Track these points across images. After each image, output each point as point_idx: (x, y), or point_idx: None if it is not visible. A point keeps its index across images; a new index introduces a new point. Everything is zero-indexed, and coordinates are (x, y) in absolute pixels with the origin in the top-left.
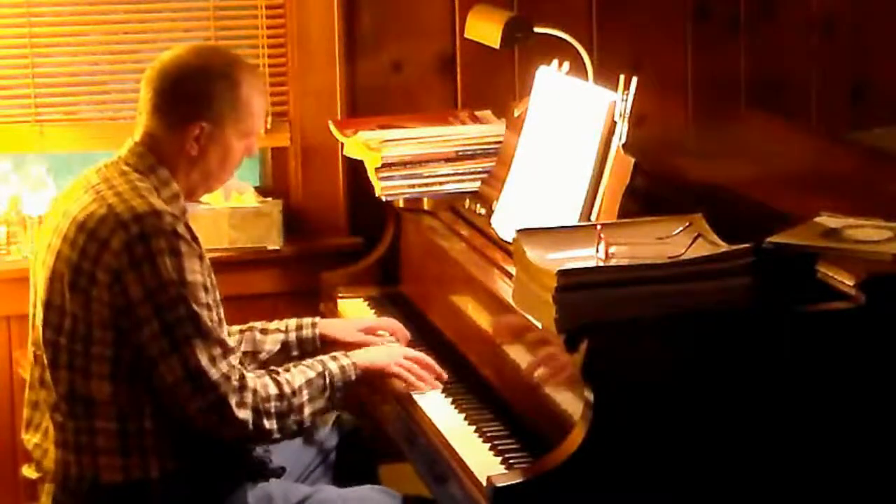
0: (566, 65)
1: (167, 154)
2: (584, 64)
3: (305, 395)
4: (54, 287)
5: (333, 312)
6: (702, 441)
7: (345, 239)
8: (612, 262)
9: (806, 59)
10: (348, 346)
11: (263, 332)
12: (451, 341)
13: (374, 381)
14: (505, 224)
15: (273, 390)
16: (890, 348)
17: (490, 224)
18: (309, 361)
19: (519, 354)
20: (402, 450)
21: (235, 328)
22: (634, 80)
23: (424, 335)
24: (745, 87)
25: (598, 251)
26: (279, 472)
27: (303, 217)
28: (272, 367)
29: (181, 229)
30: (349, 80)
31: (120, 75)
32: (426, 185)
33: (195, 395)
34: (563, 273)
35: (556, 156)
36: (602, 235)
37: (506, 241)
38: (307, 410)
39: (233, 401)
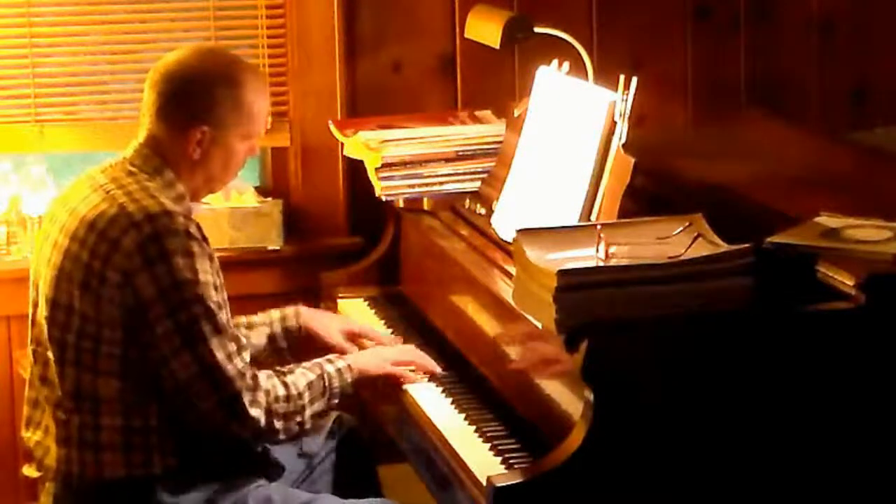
0: (566, 65)
1: (171, 157)
2: (584, 64)
3: (307, 397)
4: (61, 286)
5: (333, 312)
6: (702, 441)
7: (345, 239)
8: (612, 262)
9: (806, 59)
10: (330, 348)
11: (249, 326)
12: (451, 341)
13: (370, 384)
14: (505, 224)
15: (282, 391)
16: (890, 348)
17: (490, 224)
18: (308, 364)
19: (519, 354)
20: (402, 450)
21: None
22: (634, 80)
23: (424, 335)
24: (745, 87)
25: (598, 251)
26: (279, 471)
27: (303, 217)
28: (277, 368)
29: (193, 229)
30: (349, 80)
31: (120, 75)
32: (426, 185)
33: (210, 391)
34: (563, 273)
35: (556, 156)
36: (602, 235)
37: (506, 241)
38: (308, 412)
39: (246, 398)
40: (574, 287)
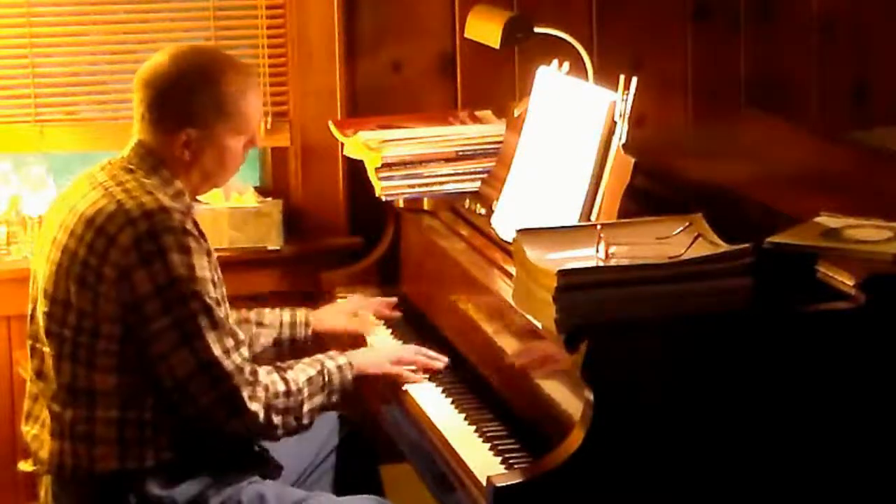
0: (566, 65)
1: (165, 158)
2: (584, 64)
3: (306, 393)
4: (59, 281)
5: None
6: (702, 441)
7: (345, 239)
8: (612, 262)
9: (806, 59)
10: (340, 337)
11: (259, 325)
12: (451, 341)
13: (371, 382)
14: (505, 224)
15: (281, 387)
16: (890, 348)
17: (490, 224)
18: (308, 360)
19: (519, 354)
20: (402, 450)
21: (232, 317)
22: (634, 80)
23: (424, 335)
24: (745, 87)
25: (598, 251)
26: (277, 471)
27: (303, 217)
28: (277, 364)
29: (189, 226)
30: (349, 80)
31: (120, 75)
32: (426, 185)
33: (209, 386)
34: (563, 273)
35: (556, 156)
36: (602, 235)
37: (506, 241)
38: (306, 408)
39: (245, 393)
40: (574, 287)
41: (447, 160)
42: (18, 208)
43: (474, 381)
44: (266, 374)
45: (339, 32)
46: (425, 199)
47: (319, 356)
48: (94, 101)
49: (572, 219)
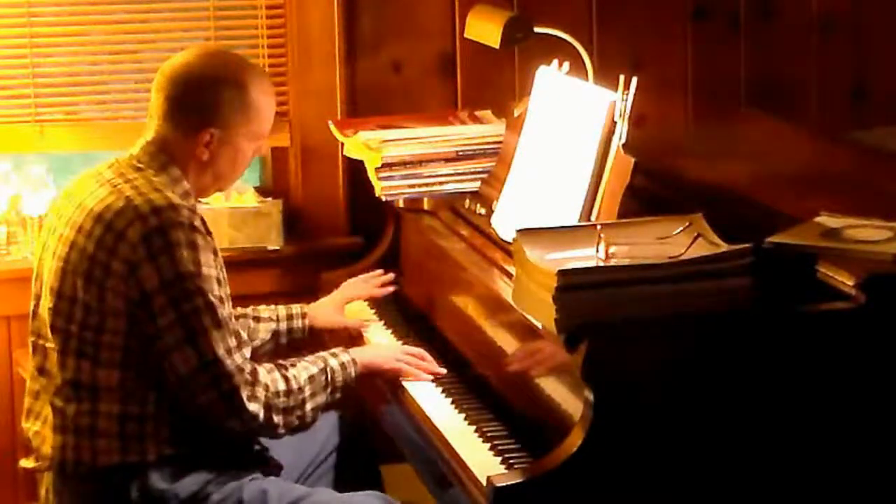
0: (566, 65)
1: (179, 156)
2: (584, 64)
3: (308, 391)
4: (66, 277)
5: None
6: (701, 441)
7: (345, 239)
8: (612, 262)
9: (806, 59)
10: (336, 333)
11: (256, 319)
12: (451, 341)
13: (374, 379)
14: (505, 224)
15: (282, 386)
16: (890, 348)
17: (490, 224)
18: (311, 357)
19: (519, 354)
20: (402, 450)
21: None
22: (634, 80)
23: (424, 335)
24: (745, 87)
25: (598, 251)
26: (277, 469)
27: (303, 217)
28: (279, 362)
29: (198, 223)
30: (349, 80)
31: (120, 75)
32: (426, 185)
33: (209, 384)
34: (563, 273)
35: (556, 156)
36: (602, 235)
37: (506, 241)
38: (309, 406)
39: (244, 393)
40: (574, 287)
41: (447, 160)
42: (18, 208)
43: (474, 381)
44: (266, 374)
45: (339, 32)
46: (425, 199)
47: (323, 353)
48: (94, 101)
49: (572, 219)
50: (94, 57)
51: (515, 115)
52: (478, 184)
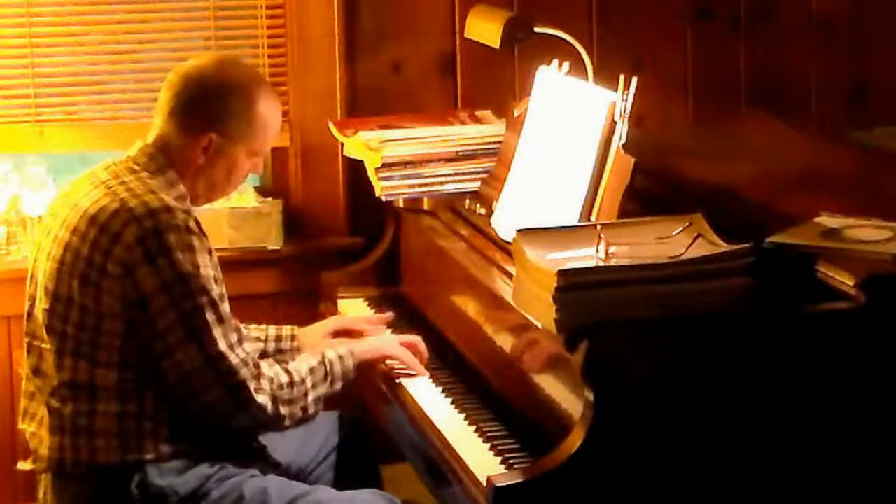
0: (566, 65)
1: (177, 159)
2: (584, 64)
3: (309, 382)
4: (62, 278)
5: (333, 312)
6: (702, 441)
7: (345, 239)
8: (612, 262)
9: (806, 59)
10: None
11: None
12: (451, 341)
13: (372, 369)
14: (505, 224)
15: (284, 378)
16: (890, 348)
17: (490, 224)
18: (308, 352)
19: (519, 354)
20: (402, 450)
21: None
22: (634, 80)
23: (424, 335)
24: (745, 87)
25: (598, 251)
26: (275, 469)
27: (303, 217)
28: (278, 357)
29: (192, 224)
30: (349, 80)
31: (120, 75)
32: (426, 185)
33: (216, 380)
34: (563, 273)
35: (556, 156)
36: (602, 235)
37: (506, 241)
38: (311, 397)
39: (252, 386)
40: (574, 287)
41: (447, 160)
42: (18, 208)
43: (474, 381)
44: (268, 367)
45: (339, 32)
46: (425, 199)
47: (318, 347)
48: (94, 101)
49: (572, 219)
50: (94, 57)
51: (515, 115)
52: (478, 184)
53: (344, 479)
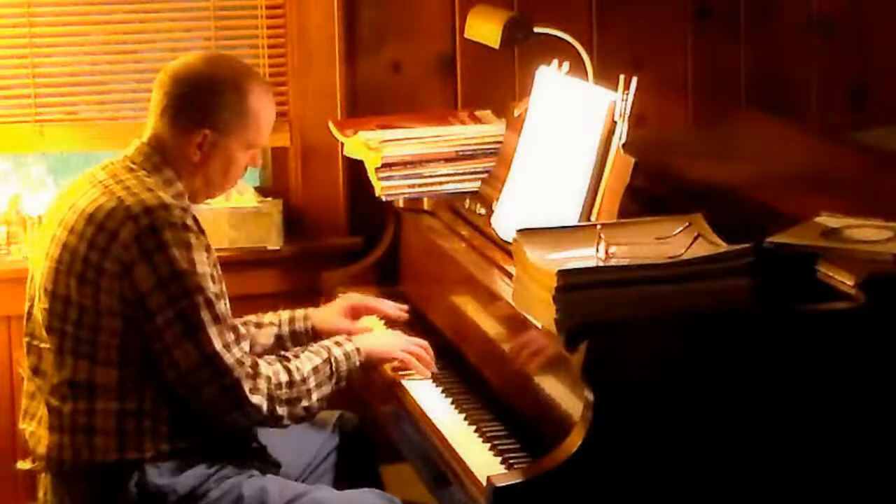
0: (566, 65)
1: (172, 157)
2: (584, 64)
3: (313, 382)
4: (59, 277)
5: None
6: (701, 441)
7: (345, 239)
8: (612, 262)
9: (806, 59)
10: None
11: (258, 325)
12: (451, 341)
13: (377, 367)
14: (505, 224)
15: (284, 377)
16: (890, 348)
17: (490, 224)
18: (315, 347)
19: (519, 354)
20: (402, 450)
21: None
22: (634, 80)
23: (424, 335)
24: (745, 87)
25: (598, 251)
26: (275, 468)
27: (303, 217)
28: (282, 353)
29: (189, 222)
30: (349, 80)
31: (120, 75)
32: (426, 185)
33: (211, 379)
34: (563, 273)
35: (556, 156)
36: (602, 235)
37: (506, 241)
38: (315, 396)
39: (247, 386)
40: (574, 287)
41: (447, 160)
42: (18, 208)
43: (474, 381)
44: (268, 366)
45: (339, 32)
46: (425, 199)
47: (326, 342)
48: (94, 101)
49: (572, 219)
50: (94, 57)
51: (515, 115)
52: (478, 184)
53: (344, 479)
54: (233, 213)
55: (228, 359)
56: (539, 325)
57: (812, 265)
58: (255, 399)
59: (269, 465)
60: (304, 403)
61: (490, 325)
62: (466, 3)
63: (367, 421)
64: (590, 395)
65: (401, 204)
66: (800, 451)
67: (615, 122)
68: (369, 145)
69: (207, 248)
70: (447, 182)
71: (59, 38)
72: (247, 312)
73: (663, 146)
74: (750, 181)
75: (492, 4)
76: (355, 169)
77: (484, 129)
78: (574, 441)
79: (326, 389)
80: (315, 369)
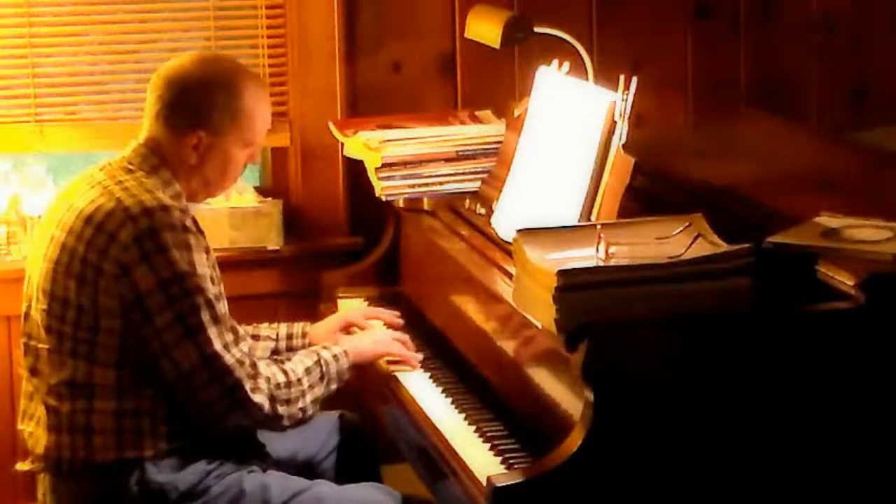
0: (566, 65)
1: (169, 159)
2: (584, 64)
3: (306, 383)
4: (58, 278)
5: (333, 312)
6: (701, 441)
7: (345, 239)
8: (612, 262)
9: (806, 59)
10: None
11: (255, 338)
12: (451, 341)
13: (367, 368)
14: (505, 224)
15: (282, 378)
16: (890, 348)
17: (490, 224)
18: (304, 351)
19: (519, 354)
20: (402, 450)
21: None
22: (634, 80)
23: (424, 335)
24: (745, 87)
25: (598, 251)
26: (274, 464)
27: (303, 217)
28: (275, 357)
29: (189, 223)
30: (349, 80)
31: (120, 75)
32: (426, 185)
33: (211, 380)
34: (563, 273)
35: (556, 156)
36: (602, 235)
37: (506, 241)
38: (309, 398)
39: (248, 385)
40: (574, 287)
41: (447, 160)
42: (18, 208)
43: (474, 381)
44: (266, 367)
45: (339, 32)
46: (425, 199)
47: (315, 347)
48: (94, 101)
49: (572, 219)
50: (94, 57)
51: (515, 115)
52: (478, 184)
53: (344, 479)
54: (233, 213)
55: (229, 359)
56: (539, 325)
57: (812, 265)
58: (258, 398)
59: (268, 462)
60: (300, 404)
61: (490, 325)
62: (466, 3)
63: (368, 421)
64: (590, 395)
65: (401, 204)
66: (800, 451)
67: (615, 122)
68: (369, 145)
69: (207, 250)
70: (447, 182)
71: (59, 38)
72: (247, 312)
73: (663, 146)
74: (750, 181)
75: (492, 4)
76: (355, 169)
77: (484, 129)
78: (574, 441)
79: (318, 391)
80: (307, 371)
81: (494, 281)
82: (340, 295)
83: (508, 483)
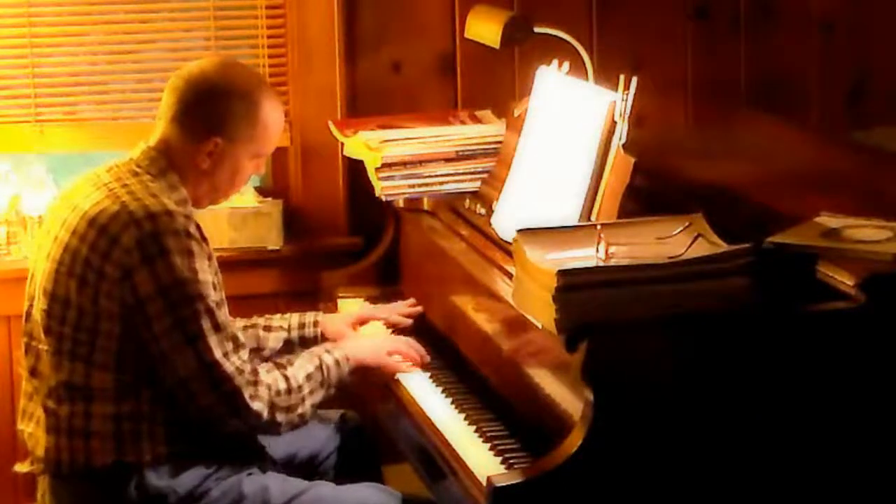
0: (566, 65)
1: (179, 162)
2: (584, 64)
3: (307, 389)
4: (60, 279)
5: (333, 312)
6: (701, 441)
7: (345, 239)
8: (612, 262)
9: (806, 59)
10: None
11: (267, 329)
12: (452, 341)
13: (366, 372)
14: (505, 224)
15: (282, 385)
16: (890, 348)
17: (490, 224)
18: (306, 354)
19: (519, 354)
20: (402, 450)
21: (240, 323)
22: (634, 80)
23: (424, 335)
24: (745, 87)
25: (598, 251)
26: (274, 467)
27: (303, 217)
28: (277, 361)
29: (192, 229)
30: (349, 80)
31: (120, 75)
32: (426, 185)
33: (209, 387)
34: (563, 273)
35: (556, 156)
36: (602, 235)
37: (506, 241)
38: (308, 403)
39: (246, 393)
40: (574, 287)
41: (447, 160)
42: (18, 208)
43: (474, 381)
44: (267, 373)
45: (339, 32)
46: (425, 199)
47: (316, 350)
48: (94, 101)
49: (572, 219)
50: (94, 57)
51: (515, 115)
52: (478, 184)
53: (345, 479)
54: (233, 214)
55: (228, 367)
56: (539, 325)
57: (812, 265)
58: (256, 406)
59: (268, 464)
60: (300, 411)
61: (490, 326)
62: (466, 3)
63: (368, 421)
64: (590, 395)
65: (401, 204)
66: (800, 451)
67: (615, 122)
68: (369, 145)
69: (209, 257)
70: (447, 182)
71: (59, 38)
72: (247, 312)
73: (663, 146)
74: (750, 181)
75: (492, 4)
76: (355, 169)
77: (484, 129)
78: (574, 441)
79: (318, 396)
80: (308, 376)
81: (494, 281)
82: (340, 295)
83: (508, 483)
